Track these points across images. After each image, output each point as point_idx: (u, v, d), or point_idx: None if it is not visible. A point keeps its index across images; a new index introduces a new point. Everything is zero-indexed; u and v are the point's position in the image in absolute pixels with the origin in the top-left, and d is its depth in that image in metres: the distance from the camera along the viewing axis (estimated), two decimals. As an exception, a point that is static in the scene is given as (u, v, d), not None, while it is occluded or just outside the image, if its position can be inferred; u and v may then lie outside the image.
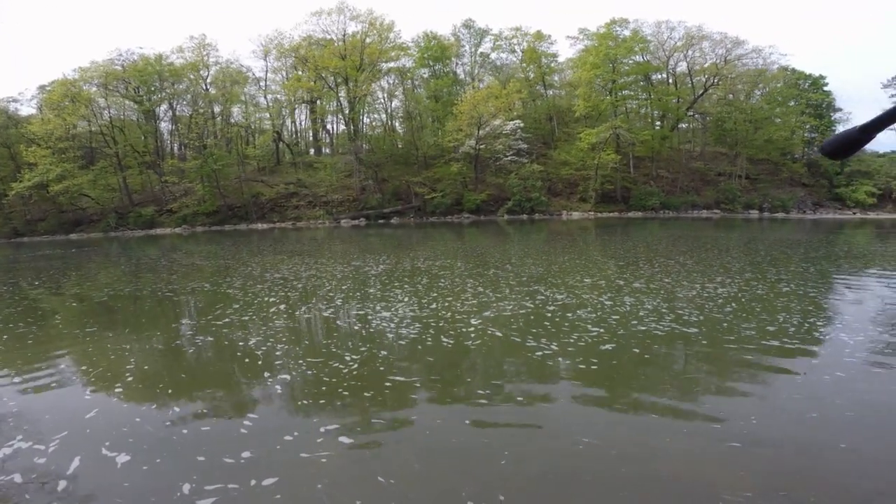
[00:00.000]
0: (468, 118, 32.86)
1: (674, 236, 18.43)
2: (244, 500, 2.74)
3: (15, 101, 35.96)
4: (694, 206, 33.73)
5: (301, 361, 4.95)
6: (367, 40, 36.06)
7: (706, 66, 36.95)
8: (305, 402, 4.08)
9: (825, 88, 38.72)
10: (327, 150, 43.60)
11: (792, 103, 37.10)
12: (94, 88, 34.00)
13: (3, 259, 18.97)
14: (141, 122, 37.45)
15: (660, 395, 4.12)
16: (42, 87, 35.79)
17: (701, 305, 6.92)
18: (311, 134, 44.94)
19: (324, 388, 4.33)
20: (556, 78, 44.20)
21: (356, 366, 4.79)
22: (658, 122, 40.98)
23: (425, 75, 42.72)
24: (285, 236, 24.07)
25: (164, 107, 38.49)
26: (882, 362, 4.66)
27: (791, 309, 6.65)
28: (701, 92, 37.25)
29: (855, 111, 54.37)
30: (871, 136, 0.86)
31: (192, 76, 36.60)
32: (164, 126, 40.87)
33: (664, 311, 6.64)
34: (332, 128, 44.47)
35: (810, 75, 38.76)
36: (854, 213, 32.31)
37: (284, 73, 41.12)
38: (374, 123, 44.47)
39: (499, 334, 5.77)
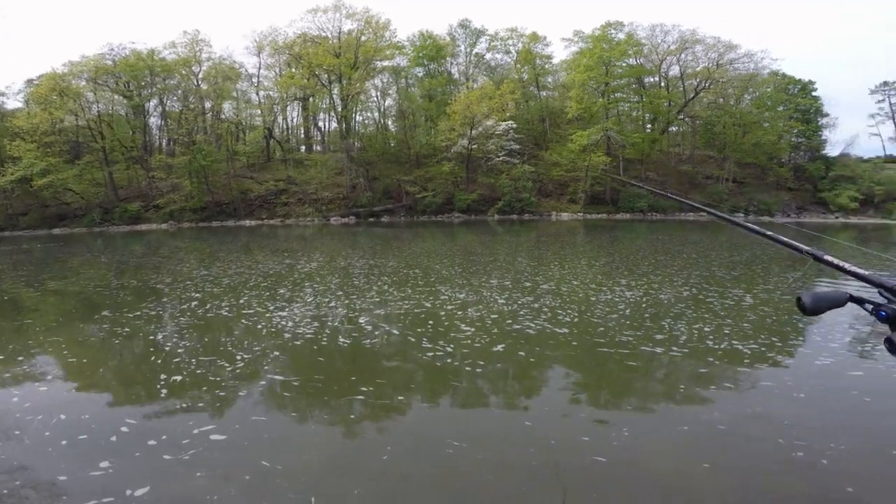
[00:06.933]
0: (461, 118, 32.85)
1: (645, 239, 18.51)
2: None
3: (1, 94, 35.55)
4: (682, 209, 33.92)
5: (193, 360, 4.96)
6: (363, 38, 36.02)
7: (698, 69, 37.07)
8: (185, 404, 4.07)
9: (814, 94, 38.99)
10: (318, 148, 43.43)
11: (780, 108, 37.33)
12: (83, 83, 33.64)
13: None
14: (130, 117, 37.12)
15: (520, 395, 4.20)
16: (30, 81, 35.42)
17: (590, 307, 6.85)
18: (302, 131, 44.76)
19: (205, 388, 4.34)
20: (549, 79, 44.18)
21: (242, 365, 4.81)
22: (649, 125, 41.18)
23: (420, 74, 42.62)
24: (274, 233, 24.03)
25: (153, 102, 38.22)
26: (773, 375, 4.49)
27: (684, 316, 6.39)
28: (692, 95, 37.44)
29: (842, 116, 54.83)
30: (854, 302, 1.01)
31: (183, 71, 36.32)
32: (154, 121, 40.61)
33: (545, 310, 6.67)
34: (325, 125, 44.41)
35: (800, 80, 38.99)
36: (836, 218, 32.63)
37: (278, 70, 40.93)
38: (366, 122, 44.35)
39: (395, 332, 5.83)
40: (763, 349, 5.12)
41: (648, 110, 39.86)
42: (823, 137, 39.08)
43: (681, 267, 11.03)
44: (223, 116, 39.12)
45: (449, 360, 4.86)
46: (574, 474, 2.95)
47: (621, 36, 37.28)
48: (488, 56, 43.85)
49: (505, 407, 3.98)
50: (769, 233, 1.34)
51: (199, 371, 4.71)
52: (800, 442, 3.20)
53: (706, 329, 5.78)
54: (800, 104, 37.85)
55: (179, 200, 32.87)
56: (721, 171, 36.28)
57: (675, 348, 5.13)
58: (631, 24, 37.68)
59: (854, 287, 1.12)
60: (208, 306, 7.39)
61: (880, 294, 1.03)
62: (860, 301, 1.01)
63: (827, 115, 39.39)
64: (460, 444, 3.27)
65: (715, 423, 3.52)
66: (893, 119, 44.71)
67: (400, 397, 4.14)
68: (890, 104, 44.51)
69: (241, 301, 7.67)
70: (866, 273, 1.06)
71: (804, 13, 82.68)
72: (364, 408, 3.95)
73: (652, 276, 9.59)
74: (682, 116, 39.05)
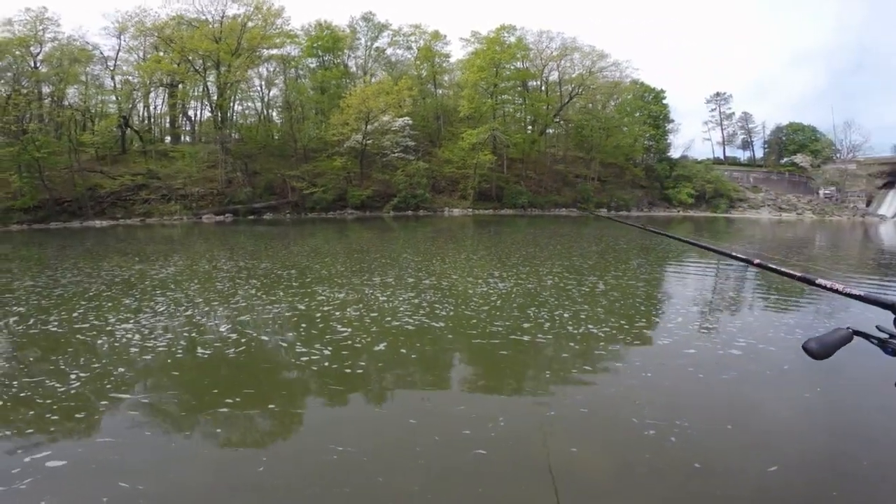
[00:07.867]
0: (356, 112, 32.03)
1: (523, 233, 19.94)
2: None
3: None
4: (556, 205, 37.34)
5: (15, 383, 4.25)
6: (249, 24, 33.26)
7: (574, 76, 40.58)
8: (7, 431, 3.51)
9: (664, 101, 45.35)
10: (188, 139, 38.94)
11: (637, 114, 42.73)
12: None
13: None
14: (-68, 102, 29.52)
15: (402, 394, 4.20)
16: None
17: (466, 300, 7.08)
18: (168, 120, 39.75)
19: (32, 412, 3.76)
20: (446, 78, 45.02)
21: (78, 384, 4.22)
22: (529, 127, 44.22)
23: (312, 65, 40.60)
24: (130, 235, 20.96)
25: (-30, 86, 30.87)
26: (623, 356, 4.90)
27: (547, 304, 6.80)
28: (567, 100, 40.94)
29: (684, 122, 65.03)
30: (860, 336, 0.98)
31: (17, 52, 30.00)
32: (-32, 108, 32.80)
33: (425, 305, 6.79)
34: (198, 114, 39.88)
35: (654, 89, 44.92)
36: (678, 211, 38.65)
37: (142, 54, 35.92)
38: (247, 112, 41.00)
39: (264, 339, 5.52)
40: (614, 332, 5.64)
41: (530, 112, 42.80)
42: (669, 141, 45.91)
43: (547, 258, 11.97)
44: (66, 103, 33.17)
45: (326, 364, 4.66)
46: (459, 471, 2.96)
47: (513, 39, 39.25)
48: (389, 51, 43.51)
49: (388, 407, 3.90)
50: (757, 261, 1.27)
51: (22, 394, 3.97)
52: (650, 420, 3.44)
53: (566, 315, 6.26)
54: (652, 111, 43.72)
55: (4, 199, 27.12)
56: (588, 170, 40.53)
57: (540, 335, 5.48)
58: (522, 29, 39.97)
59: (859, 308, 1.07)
60: (31, 322, 6.21)
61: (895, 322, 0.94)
62: (866, 336, 0.98)
63: (672, 120, 46.30)
64: (344, 450, 3.14)
65: (578, 406, 3.75)
66: (721, 126, 54.19)
67: (272, 406, 3.84)
68: (720, 112, 53.84)
69: (76, 314, 6.54)
70: (875, 295, 0.96)
71: (659, 23, 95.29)
72: (232, 421, 3.61)
73: (521, 268, 10.22)
74: (557, 119, 42.64)
